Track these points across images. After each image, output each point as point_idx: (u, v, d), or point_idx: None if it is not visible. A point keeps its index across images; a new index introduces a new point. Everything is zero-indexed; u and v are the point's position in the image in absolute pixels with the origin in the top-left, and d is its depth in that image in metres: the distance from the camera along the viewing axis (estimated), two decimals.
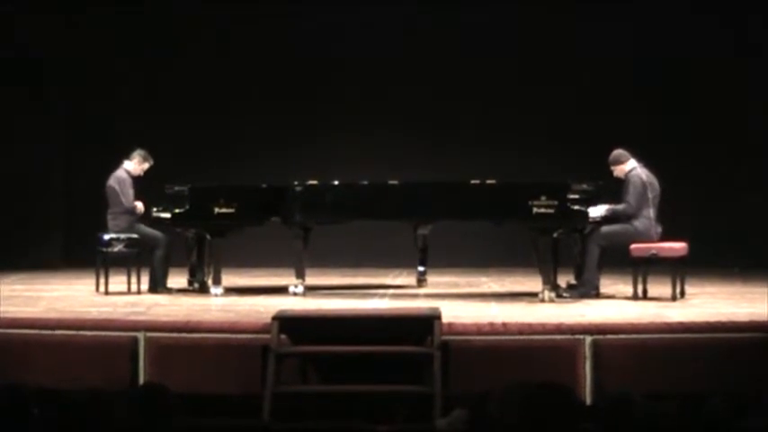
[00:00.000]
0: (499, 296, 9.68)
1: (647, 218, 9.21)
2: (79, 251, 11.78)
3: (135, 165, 10.11)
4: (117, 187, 9.97)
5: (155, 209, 10.05)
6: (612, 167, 9.45)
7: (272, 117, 13.19)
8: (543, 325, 7.26)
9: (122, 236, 9.86)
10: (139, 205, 10.01)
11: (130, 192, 10.00)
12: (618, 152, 9.46)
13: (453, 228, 10.81)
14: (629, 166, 9.36)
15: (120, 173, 10.07)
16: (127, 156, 10.14)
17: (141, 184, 10.15)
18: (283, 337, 6.95)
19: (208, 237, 9.79)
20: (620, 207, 9.23)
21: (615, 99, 12.77)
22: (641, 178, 9.27)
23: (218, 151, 12.96)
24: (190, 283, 10.18)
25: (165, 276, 9.96)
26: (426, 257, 10.64)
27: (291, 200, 9.50)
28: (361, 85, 13.09)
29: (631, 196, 9.21)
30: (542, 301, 8.84)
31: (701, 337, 7.07)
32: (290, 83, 13.15)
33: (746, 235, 12.33)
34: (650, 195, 9.24)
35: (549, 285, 8.89)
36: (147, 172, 10.16)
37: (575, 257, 9.50)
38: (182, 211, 9.65)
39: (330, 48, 13.11)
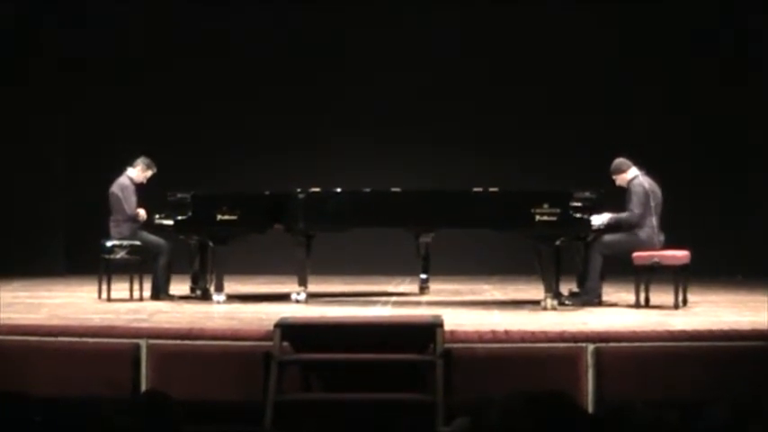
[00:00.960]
0: (501, 304, 9.68)
1: (650, 226, 9.20)
2: (82, 258, 11.80)
3: (138, 172, 10.12)
4: (120, 194, 9.98)
5: (157, 216, 10.06)
6: (614, 176, 9.45)
7: (275, 124, 13.18)
8: (545, 333, 7.25)
9: (125, 243, 9.86)
10: (142, 212, 10.01)
11: (133, 199, 10.00)
12: (619, 161, 9.46)
13: (456, 235, 10.81)
14: (631, 175, 9.36)
15: (123, 180, 10.07)
16: (129, 162, 10.16)
17: (144, 191, 10.16)
18: (285, 344, 6.94)
19: (210, 244, 9.78)
20: (623, 215, 9.22)
21: (616, 105, 12.77)
22: (644, 186, 9.26)
23: (220, 158, 12.96)
24: (192, 290, 10.19)
25: (167, 283, 9.97)
26: (428, 265, 10.64)
27: (294, 207, 9.49)
28: (364, 91, 13.09)
29: (634, 205, 9.20)
30: (545, 308, 8.82)
31: (704, 345, 7.07)
32: (293, 89, 13.15)
33: (749, 243, 12.33)
34: (653, 204, 9.23)
35: (552, 293, 8.88)
36: (149, 179, 10.17)
37: (577, 265, 9.49)
38: (184, 218, 9.65)
39: (333, 53, 13.12)
